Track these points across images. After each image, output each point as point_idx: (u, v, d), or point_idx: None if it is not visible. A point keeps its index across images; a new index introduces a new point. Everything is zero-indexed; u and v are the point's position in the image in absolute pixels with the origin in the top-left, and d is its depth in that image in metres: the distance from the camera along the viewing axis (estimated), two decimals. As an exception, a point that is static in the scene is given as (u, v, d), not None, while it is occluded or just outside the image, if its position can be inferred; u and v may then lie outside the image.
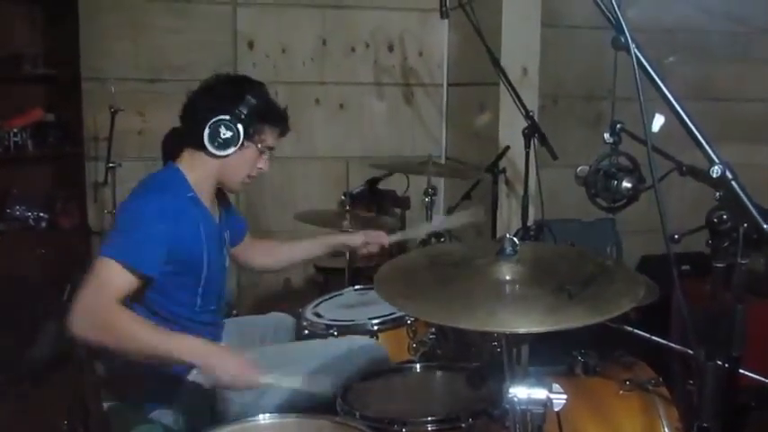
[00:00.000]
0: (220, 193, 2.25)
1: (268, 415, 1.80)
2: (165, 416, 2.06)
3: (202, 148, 2.04)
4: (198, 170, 2.09)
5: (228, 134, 2.02)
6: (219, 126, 2.02)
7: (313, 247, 2.61)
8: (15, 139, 3.71)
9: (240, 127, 2.03)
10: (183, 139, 2.12)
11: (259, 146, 2.11)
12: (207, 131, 2.02)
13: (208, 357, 1.86)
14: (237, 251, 2.45)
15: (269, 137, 2.13)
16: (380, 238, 2.59)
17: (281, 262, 2.61)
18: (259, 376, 1.87)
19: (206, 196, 2.13)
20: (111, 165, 3.59)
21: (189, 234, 2.03)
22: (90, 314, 1.80)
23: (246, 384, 1.88)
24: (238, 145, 2.04)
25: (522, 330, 1.30)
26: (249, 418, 1.80)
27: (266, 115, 2.10)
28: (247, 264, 2.56)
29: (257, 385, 1.89)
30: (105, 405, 2.09)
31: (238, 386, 1.89)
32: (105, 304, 1.82)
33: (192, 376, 2.03)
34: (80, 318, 1.79)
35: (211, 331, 2.18)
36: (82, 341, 1.84)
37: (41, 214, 3.81)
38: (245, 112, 2.04)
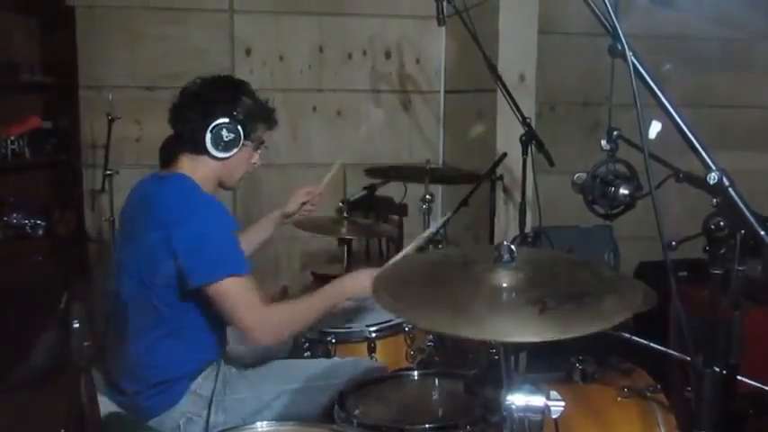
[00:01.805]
0: None
1: (266, 423, 1.80)
2: (165, 423, 2.06)
3: (203, 152, 2.08)
4: (200, 173, 2.12)
5: (231, 136, 2.08)
6: (221, 130, 2.07)
7: (261, 229, 2.64)
8: (13, 146, 3.71)
9: (240, 128, 2.09)
10: (179, 145, 2.14)
11: (255, 143, 2.17)
12: (209, 136, 2.06)
13: (351, 291, 2.15)
14: None
15: (262, 132, 2.20)
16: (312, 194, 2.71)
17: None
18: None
19: None
20: (108, 172, 3.59)
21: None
22: (269, 326, 2.02)
23: None
24: (240, 146, 2.09)
25: (519, 340, 1.30)
26: (248, 426, 1.80)
27: (259, 113, 2.16)
28: None
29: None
30: (103, 413, 2.08)
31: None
32: (269, 311, 2.03)
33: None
34: (264, 334, 2.02)
35: (220, 336, 2.19)
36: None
37: (39, 222, 3.81)
38: (242, 114, 2.10)
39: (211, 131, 2.06)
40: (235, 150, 2.10)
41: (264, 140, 2.23)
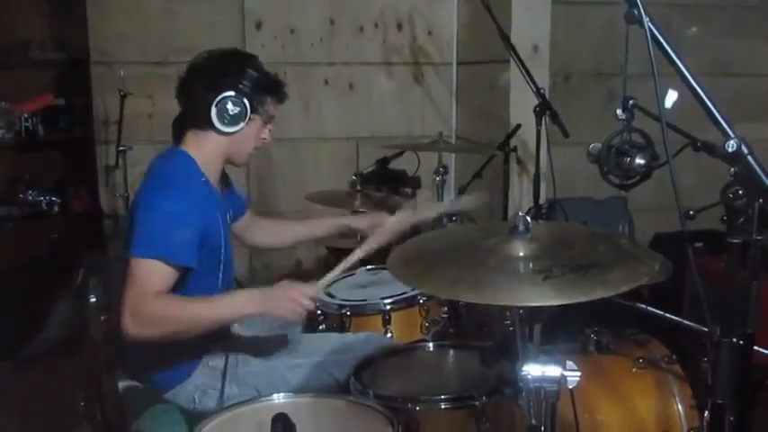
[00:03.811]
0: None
1: (282, 394, 1.82)
2: (180, 396, 2.09)
3: (209, 127, 2.04)
4: (205, 150, 2.09)
5: (236, 110, 2.03)
6: (227, 103, 2.02)
7: (318, 226, 2.57)
8: (26, 124, 3.73)
9: (246, 101, 2.04)
10: (185, 121, 2.12)
11: (263, 117, 2.12)
12: (214, 110, 2.02)
13: (263, 305, 1.95)
14: (238, 228, 2.40)
15: (270, 106, 2.14)
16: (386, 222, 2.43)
17: (286, 241, 2.58)
18: (315, 288, 2.00)
19: (214, 177, 2.13)
20: (121, 148, 3.59)
21: (211, 219, 2.05)
22: (141, 316, 1.84)
23: (306, 306, 1.97)
24: (246, 119, 2.05)
25: (535, 304, 1.30)
26: (264, 398, 1.82)
27: (267, 86, 2.11)
28: (251, 241, 2.52)
29: (315, 298, 2.01)
30: (121, 386, 2.11)
31: (299, 313, 1.98)
32: (151, 302, 1.85)
33: (235, 329, 2.13)
34: (133, 322, 1.83)
35: None
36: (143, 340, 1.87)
37: (54, 199, 3.83)
38: (249, 86, 2.04)
39: (216, 105, 2.01)
40: (242, 124, 2.04)
41: (275, 115, 2.17)
